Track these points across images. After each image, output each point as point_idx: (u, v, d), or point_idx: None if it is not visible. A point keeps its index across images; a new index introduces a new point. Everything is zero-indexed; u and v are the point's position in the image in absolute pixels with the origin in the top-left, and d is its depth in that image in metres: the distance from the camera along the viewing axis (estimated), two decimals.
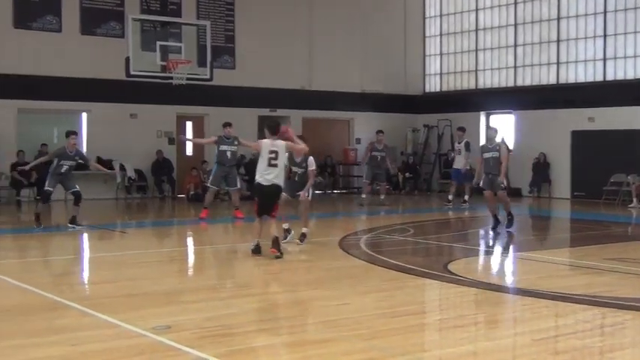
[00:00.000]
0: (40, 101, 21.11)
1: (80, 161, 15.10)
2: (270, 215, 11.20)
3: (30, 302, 8.19)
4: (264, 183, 11.00)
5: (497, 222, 14.57)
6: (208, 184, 17.15)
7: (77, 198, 14.89)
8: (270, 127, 11.30)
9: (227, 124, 16.97)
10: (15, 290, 8.98)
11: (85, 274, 10.82)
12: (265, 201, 11.12)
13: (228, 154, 16.65)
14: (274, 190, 11.07)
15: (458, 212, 19.15)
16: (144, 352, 6.14)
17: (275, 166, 11.01)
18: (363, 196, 21.03)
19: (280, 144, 11.10)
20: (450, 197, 20.08)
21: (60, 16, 21.52)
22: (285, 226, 12.53)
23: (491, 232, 14.44)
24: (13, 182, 20.65)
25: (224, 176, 16.83)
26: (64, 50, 21.42)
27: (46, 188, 14.65)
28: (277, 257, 10.79)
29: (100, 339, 6.55)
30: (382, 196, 20.78)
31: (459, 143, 20.34)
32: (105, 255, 12.20)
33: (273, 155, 10.98)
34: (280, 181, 11.16)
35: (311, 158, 12.42)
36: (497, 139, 15.21)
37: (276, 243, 10.90)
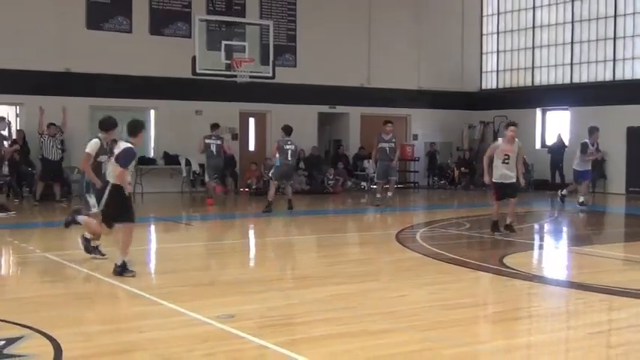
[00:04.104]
0: (110, 99, 21.74)
1: None
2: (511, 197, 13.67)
3: (100, 290, 8.59)
4: (501, 181, 13.52)
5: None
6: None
7: None
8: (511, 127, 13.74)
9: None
10: (85, 278, 9.38)
11: (153, 265, 11.07)
12: (505, 190, 13.59)
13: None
14: (514, 185, 13.69)
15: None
16: (208, 340, 6.38)
17: (507, 163, 13.40)
18: (378, 195, 19.06)
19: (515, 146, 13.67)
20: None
21: (130, 18, 22.27)
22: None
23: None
24: None
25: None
26: (134, 50, 22.14)
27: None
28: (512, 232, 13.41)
29: (166, 327, 6.81)
30: (389, 194, 18.99)
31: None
32: (171, 246, 12.64)
33: (506, 157, 13.39)
34: (514, 174, 13.54)
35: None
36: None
37: (509, 225, 13.55)
